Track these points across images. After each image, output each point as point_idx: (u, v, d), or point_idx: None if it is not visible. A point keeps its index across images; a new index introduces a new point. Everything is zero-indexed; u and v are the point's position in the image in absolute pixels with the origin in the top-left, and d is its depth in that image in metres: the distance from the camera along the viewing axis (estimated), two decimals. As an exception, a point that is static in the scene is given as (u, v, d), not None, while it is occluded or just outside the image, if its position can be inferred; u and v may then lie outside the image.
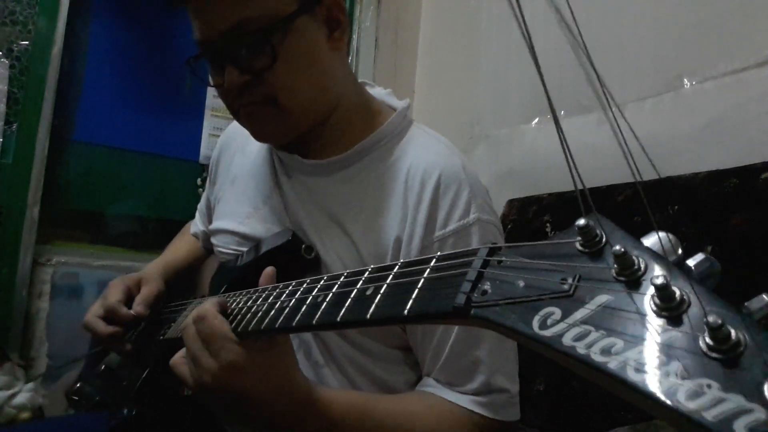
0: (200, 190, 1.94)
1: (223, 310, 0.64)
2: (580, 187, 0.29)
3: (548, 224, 1.29)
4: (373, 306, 0.39)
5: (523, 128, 1.53)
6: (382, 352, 0.83)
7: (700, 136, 1.09)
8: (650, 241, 0.28)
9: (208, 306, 0.63)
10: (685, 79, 1.15)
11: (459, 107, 1.80)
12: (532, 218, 1.33)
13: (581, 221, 0.29)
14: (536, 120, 1.49)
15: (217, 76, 0.81)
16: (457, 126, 1.75)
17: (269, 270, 0.68)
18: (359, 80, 0.94)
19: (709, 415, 0.20)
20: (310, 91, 0.81)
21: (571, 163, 0.28)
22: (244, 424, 0.65)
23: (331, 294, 0.46)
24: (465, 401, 0.75)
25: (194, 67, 0.84)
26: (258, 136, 0.88)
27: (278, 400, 0.61)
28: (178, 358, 0.67)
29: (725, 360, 0.22)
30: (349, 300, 0.43)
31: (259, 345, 0.60)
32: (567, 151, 0.29)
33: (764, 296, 0.23)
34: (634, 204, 1.09)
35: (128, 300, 0.96)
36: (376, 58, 2.07)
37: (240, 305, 0.63)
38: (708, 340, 0.23)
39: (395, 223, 0.79)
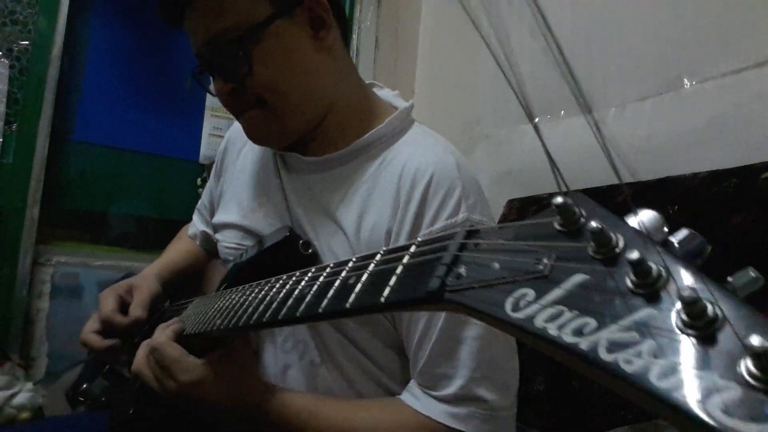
0: (200, 190, 1.93)
1: (177, 337, 0.74)
2: (563, 186, 0.28)
3: (548, 224, 1.29)
4: (353, 295, 0.38)
5: (523, 128, 1.52)
6: (379, 352, 0.82)
7: (700, 136, 1.09)
8: (633, 219, 0.27)
9: (161, 338, 0.73)
10: (685, 79, 1.15)
11: (459, 107, 1.79)
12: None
13: (558, 199, 0.28)
14: (536, 120, 1.49)
15: (214, 84, 0.85)
16: (457, 126, 1.74)
17: None
18: (367, 81, 0.94)
19: (681, 394, 0.19)
20: (296, 92, 0.82)
21: (544, 148, 0.28)
22: (211, 424, 0.75)
23: (316, 285, 0.45)
24: (437, 412, 0.71)
25: (200, 77, 0.87)
26: (254, 140, 0.89)
27: (235, 405, 0.71)
28: (139, 366, 0.75)
29: (700, 337, 0.21)
30: (332, 290, 0.42)
31: (217, 356, 0.71)
32: (545, 148, 0.28)
33: (750, 271, 0.22)
34: (634, 204, 1.08)
35: (122, 308, 0.94)
36: (376, 58, 2.06)
37: (233, 302, 0.63)
38: (683, 316, 0.22)
39: (386, 219, 0.79)
